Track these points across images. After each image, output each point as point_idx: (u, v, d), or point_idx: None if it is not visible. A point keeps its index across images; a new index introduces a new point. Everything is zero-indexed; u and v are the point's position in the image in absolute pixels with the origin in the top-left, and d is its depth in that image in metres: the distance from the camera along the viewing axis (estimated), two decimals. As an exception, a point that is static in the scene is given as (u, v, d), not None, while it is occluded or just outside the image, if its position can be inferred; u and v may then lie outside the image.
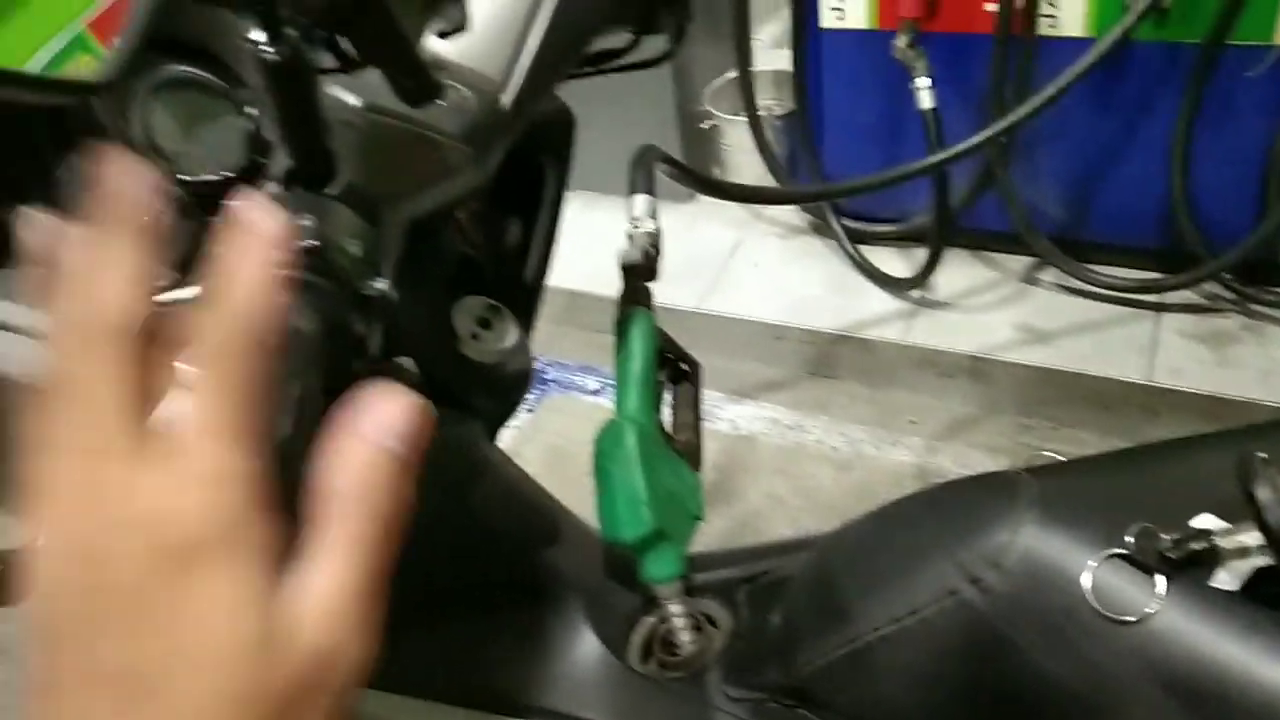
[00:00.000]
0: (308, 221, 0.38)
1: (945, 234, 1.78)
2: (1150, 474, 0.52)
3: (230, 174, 0.40)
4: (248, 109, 0.41)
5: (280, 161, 0.40)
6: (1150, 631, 0.43)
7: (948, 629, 0.49)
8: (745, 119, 1.92)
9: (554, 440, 1.82)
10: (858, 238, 1.96)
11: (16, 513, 0.34)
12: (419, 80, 0.42)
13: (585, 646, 0.65)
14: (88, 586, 0.25)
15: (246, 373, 0.27)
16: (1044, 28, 1.59)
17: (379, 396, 0.29)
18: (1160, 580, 0.43)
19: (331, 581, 0.27)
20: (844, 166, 1.91)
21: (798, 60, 1.82)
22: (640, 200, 0.62)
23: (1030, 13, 1.56)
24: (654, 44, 0.63)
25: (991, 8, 1.57)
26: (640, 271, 0.60)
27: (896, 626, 0.51)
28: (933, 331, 1.82)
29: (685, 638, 0.63)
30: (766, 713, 0.61)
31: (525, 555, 0.67)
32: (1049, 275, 1.87)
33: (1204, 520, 0.44)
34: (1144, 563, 0.44)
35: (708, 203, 2.10)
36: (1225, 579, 0.43)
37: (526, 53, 0.50)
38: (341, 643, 0.27)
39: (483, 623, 0.66)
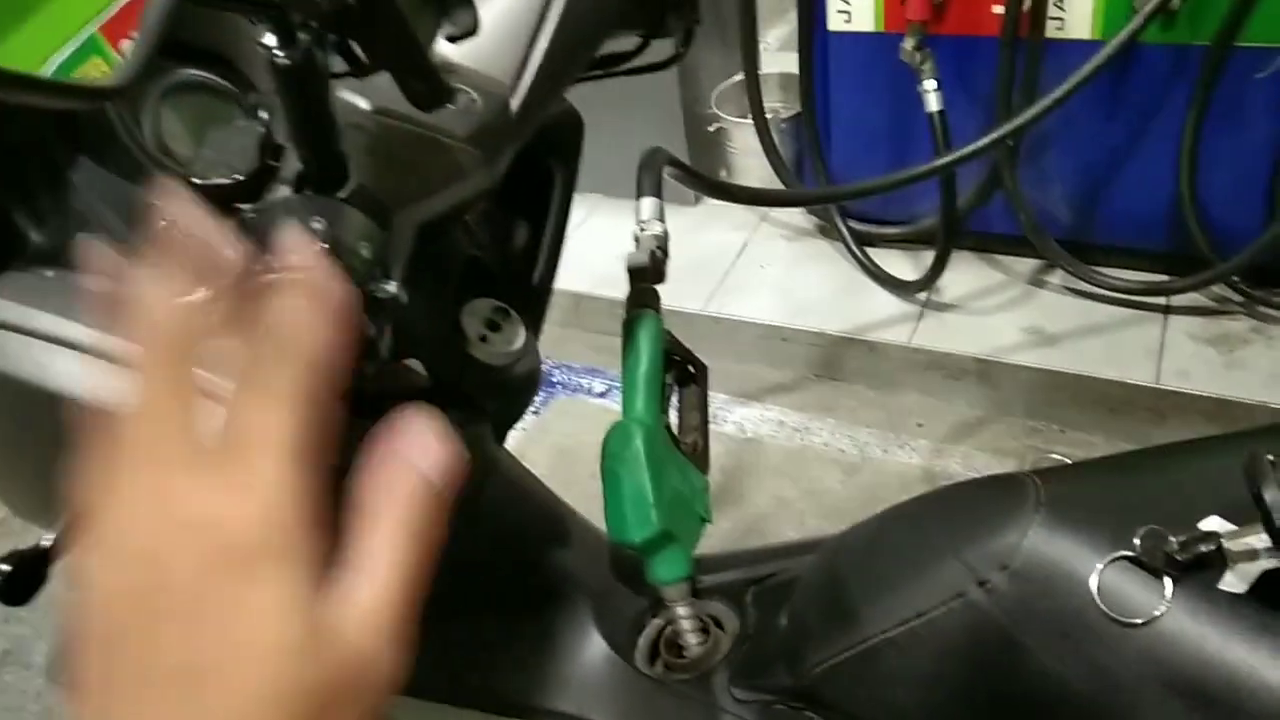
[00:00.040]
0: (318, 224, 0.38)
1: (952, 236, 1.77)
2: (1158, 476, 0.52)
3: (241, 177, 0.41)
4: (259, 113, 0.41)
5: (291, 165, 0.40)
6: (1158, 634, 0.43)
7: (955, 631, 0.49)
8: (752, 122, 1.93)
9: (561, 442, 1.82)
10: (864, 240, 1.96)
11: (48, 522, 0.35)
12: (429, 84, 0.42)
13: (592, 648, 0.65)
14: (150, 586, 0.26)
15: (304, 394, 0.29)
16: (1051, 30, 1.58)
17: (422, 428, 0.31)
18: (1168, 583, 0.43)
19: (372, 594, 0.29)
20: (851, 169, 1.91)
21: (804, 63, 1.82)
22: (647, 203, 0.62)
23: (1037, 15, 1.56)
24: (662, 47, 0.63)
25: (999, 10, 1.57)
26: (647, 274, 0.60)
27: (904, 628, 0.51)
28: (940, 334, 1.82)
29: (692, 639, 0.63)
30: (774, 715, 0.60)
31: (532, 557, 0.67)
32: (1056, 278, 1.87)
33: (1212, 523, 0.44)
34: (1151, 565, 0.44)
35: (715, 205, 2.11)
36: (1233, 581, 0.43)
37: (535, 57, 0.50)
38: (378, 651, 0.28)
39: (489, 624, 0.66)
